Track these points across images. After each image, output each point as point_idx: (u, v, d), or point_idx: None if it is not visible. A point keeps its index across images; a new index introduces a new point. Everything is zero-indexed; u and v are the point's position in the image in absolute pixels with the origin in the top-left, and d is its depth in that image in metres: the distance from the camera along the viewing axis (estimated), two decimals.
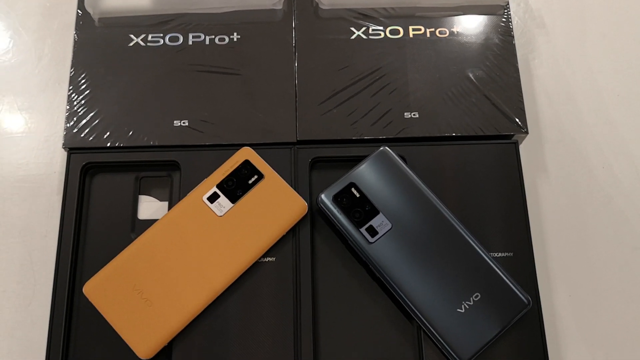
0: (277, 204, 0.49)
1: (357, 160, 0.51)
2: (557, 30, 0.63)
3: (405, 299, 0.47)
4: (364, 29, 0.57)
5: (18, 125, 0.59)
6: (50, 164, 0.57)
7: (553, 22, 0.63)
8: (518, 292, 0.47)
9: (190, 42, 0.56)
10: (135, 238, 0.49)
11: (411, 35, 0.56)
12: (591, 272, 0.54)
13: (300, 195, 0.50)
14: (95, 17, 0.57)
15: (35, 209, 0.55)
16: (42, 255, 0.54)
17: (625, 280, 0.54)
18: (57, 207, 0.55)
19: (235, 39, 0.56)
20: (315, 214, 0.51)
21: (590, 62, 0.62)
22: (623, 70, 0.61)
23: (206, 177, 0.50)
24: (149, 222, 0.50)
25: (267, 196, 0.50)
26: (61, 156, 0.57)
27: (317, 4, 0.57)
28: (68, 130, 0.53)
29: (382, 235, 0.48)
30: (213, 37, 0.56)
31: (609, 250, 0.55)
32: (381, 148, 0.51)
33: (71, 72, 0.55)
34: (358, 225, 0.49)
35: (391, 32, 0.57)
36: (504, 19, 0.57)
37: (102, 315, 0.47)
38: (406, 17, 0.57)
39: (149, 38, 0.56)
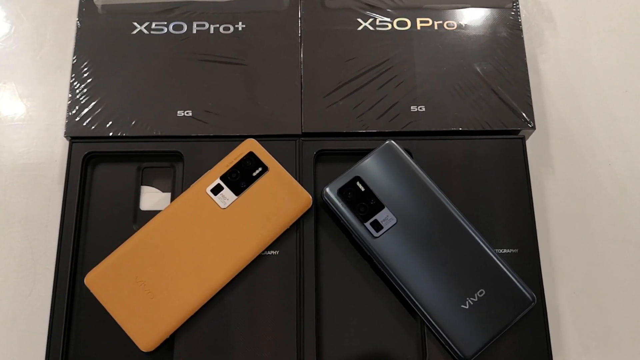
0: (281, 197, 0.49)
1: (363, 153, 0.51)
2: (565, 24, 0.62)
3: (409, 295, 0.47)
4: (370, 20, 0.56)
5: (19, 113, 0.58)
6: (51, 153, 0.56)
7: (561, 16, 0.63)
8: (523, 289, 0.47)
9: (194, 31, 0.55)
10: (137, 229, 0.48)
11: (419, 28, 0.56)
12: (596, 269, 0.54)
13: (305, 188, 0.50)
14: (98, 4, 0.56)
15: (35, 198, 0.55)
16: (43, 245, 0.53)
17: (630, 277, 0.54)
18: (57, 197, 0.54)
19: (240, 29, 0.56)
20: (320, 208, 0.51)
21: (598, 57, 0.61)
22: (631, 66, 0.61)
23: (210, 169, 0.50)
24: (152, 213, 0.49)
25: (271, 189, 0.49)
26: (62, 145, 0.56)
27: None
28: (70, 119, 0.52)
29: (387, 230, 0.48)
30: (218, 26, 0.56)
31: (613, 247, 0.54)
32: (387, 142, 0.51)
33: (74, 60, 0.54)
34: (363, 219, 0.48)
35: (398, 24, 0.56)
36: (512, 13, 0.57)
37: (103, 307, 0.46)
38: (414, 8, 0.57)
39: (153, 26, 0.55)
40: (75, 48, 0.55)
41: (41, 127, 0.57)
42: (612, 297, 0.53)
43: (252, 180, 0.49)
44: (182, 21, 0.56)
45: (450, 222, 0.48)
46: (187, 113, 0.52)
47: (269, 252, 0.49)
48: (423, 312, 0.47)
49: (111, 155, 0.52)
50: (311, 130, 0.52)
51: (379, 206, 0.49)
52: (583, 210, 0.55)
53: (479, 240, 0.48)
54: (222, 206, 0.49)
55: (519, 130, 0.53)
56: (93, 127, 0.52)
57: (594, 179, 0.56)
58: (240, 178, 0.49)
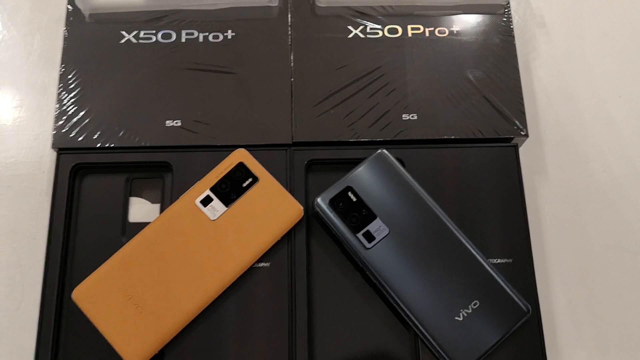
0: (272, 208, 0.48)
1: (354, 162, 0.50)
2: (558, 29, 0.62)
3: (403, 306, 0.46)
4: (361, 27, 0.55)
5: (6, 123, 0.57)
6: (39, 164, 0.56)
7: (553, 21, 0.62)
8: (517, 300, 0.46)
9: (183, 40, 0.55)
10: (126, 242, 0.48)
11: (410, 35, 0.55)
12: (591, 278, 0.53)
13: (296, 198, 0.49)
14: (86, 13, 0.55)
15: (23, 209, 0.54)
16: (31, 257, 0.53)
17: (627, 285, 0.53)
18: (46, 208, 0.53)
19: (229, 37, 0.55)
20: (311, 218, 0.50)
21: (591, 62, 0.60)
22: (624, 70, 0.60)
23: (199, 180, 0.49)
24: (140, 225, 0.49)
25: (261, 199, 0.48)
26: (50, 155, 0.56)
27: (313, 1, 0.56)
28: (57, 130, 0.51)
29: (379, 241, 0.47)
30: (207, 34, 0.55)
31: (609, 255, 0.54)
32: (379, 151, 0.50)
33: (61, 70, 0.53)
34: (355, 230, 0.48)
35: (389, 31, 0.55)
36: (504, 19, 0.56)
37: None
38: (405, 15, 0.56)
39: (141, 35, 0.55)
40: (62, 57, 0.54)
41: (29, 138, 0.57)
42: (609, 306, 0.52)
43: (242, 191, 0.49)
44: (171, 30, 0.55)
45: (444, 232, 0.48)
46: (176, 123, 0.52)
47: (260, 264, 0.48)
48: (416, 324, 0.46)
49: (99, 166, 0.51)
50: (302, 139, 0.51)
51: (371, 216, 0.48)
52: (578, 218, 0.55)
53: (473, 251, 0.47)
54: (212, 218, 0.48)
55: (511, 138, 0.52)
56: (80, 138, 0.51)
57: (588, 186, 0.56)
58: (230, 189, 0.49)
